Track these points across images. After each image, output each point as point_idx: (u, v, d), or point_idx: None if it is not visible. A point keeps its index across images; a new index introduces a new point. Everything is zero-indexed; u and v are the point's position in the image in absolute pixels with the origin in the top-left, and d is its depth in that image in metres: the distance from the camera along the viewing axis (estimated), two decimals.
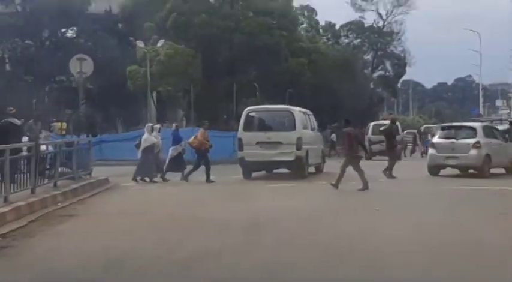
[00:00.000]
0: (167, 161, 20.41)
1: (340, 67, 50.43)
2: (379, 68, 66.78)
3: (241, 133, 21.15)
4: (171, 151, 20.44)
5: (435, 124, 56.74)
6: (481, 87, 77.21)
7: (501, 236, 9.70)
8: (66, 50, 41.15)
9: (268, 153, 20.29)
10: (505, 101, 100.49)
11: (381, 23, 66.54)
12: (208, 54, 43.99)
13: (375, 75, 66.47)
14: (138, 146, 20.18)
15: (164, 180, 20.00)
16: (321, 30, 62.22)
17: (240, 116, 22.17)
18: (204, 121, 22.01)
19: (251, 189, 17.65)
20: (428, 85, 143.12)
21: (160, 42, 41.39)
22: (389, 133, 22.75)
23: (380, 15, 66.32)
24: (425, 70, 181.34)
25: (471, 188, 17.20)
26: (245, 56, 45.50)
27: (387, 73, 66.60)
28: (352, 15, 66.39)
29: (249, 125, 21.10)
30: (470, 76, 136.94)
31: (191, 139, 20.18)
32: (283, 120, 21.38)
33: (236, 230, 10.10)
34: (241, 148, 20.94)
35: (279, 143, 20.45)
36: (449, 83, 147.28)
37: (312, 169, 22.69)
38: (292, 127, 20.79)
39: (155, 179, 19.77)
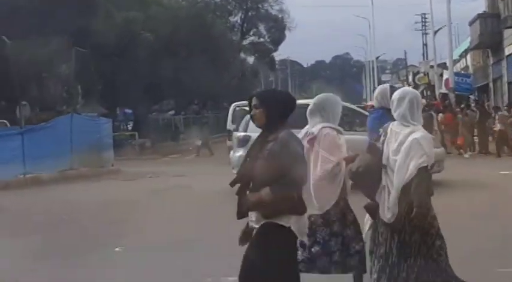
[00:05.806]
0: None
1: (194, 27, 38.71)
2: (251, 32, 57.45)
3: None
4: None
5: None
6: (375, 58, 65.18)
7: None
8: None
9: None
10: (394, 75, 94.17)
11: None
12: None
13: (246, 42, 56.97)
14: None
15: None
16: None
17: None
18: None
19: None
20: (306, 64, 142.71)
21: None
22: None
23: None
24: (303, 49, 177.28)
25: None
26: (43, 10, 32.93)
27: (261, 39, 57.64)
28: None
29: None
30: (348, 53, 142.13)
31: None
32: None
33: None
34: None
35: None
36: (327, 61, 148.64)
37: None
38: None
39: None
